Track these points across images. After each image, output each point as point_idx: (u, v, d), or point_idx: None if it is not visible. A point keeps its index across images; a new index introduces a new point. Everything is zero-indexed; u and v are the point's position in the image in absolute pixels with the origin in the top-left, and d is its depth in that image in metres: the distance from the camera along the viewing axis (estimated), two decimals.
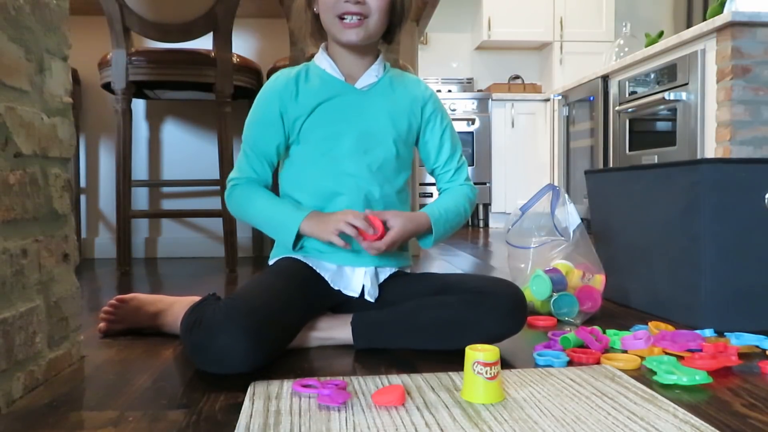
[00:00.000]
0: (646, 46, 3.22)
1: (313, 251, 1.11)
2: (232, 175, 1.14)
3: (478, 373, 0.79)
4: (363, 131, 1.10)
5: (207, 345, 0.89)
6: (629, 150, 3.23)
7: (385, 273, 1.14)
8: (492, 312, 1.02)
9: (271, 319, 0.92)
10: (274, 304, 0.96)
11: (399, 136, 1.13)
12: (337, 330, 1.07)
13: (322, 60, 1.13)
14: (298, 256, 1.11)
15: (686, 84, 2.69)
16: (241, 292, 0.99)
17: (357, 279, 1.10)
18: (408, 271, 1.19)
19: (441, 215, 1.11)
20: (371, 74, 1.12)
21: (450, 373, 0.91)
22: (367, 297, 1.10)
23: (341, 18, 1.04)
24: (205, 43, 2.11)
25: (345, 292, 1.10)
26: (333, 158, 1.10)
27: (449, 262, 2.43)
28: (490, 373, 0.79)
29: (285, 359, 1.00)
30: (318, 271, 1.09)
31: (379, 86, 1.13)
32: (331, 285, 1.09)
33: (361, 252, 1.09)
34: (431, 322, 1.03)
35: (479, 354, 0.79)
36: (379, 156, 1.11)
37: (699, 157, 2.58)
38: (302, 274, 1.08)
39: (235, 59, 2.17)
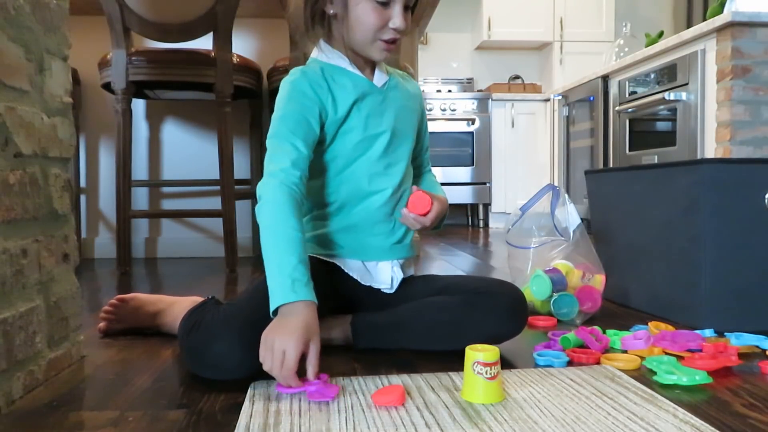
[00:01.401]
0: (646, 46, 3.22)
1: (339, 249, 1.09)
2: (260, 182, 0.98)
3: (478, 373, 0.79)
4: (394, 129, 1.10)
5: (203, 350, 0.89)
6: (629, 150, 3.23)
7: (409, 271, 1.15)
8: (492, 313, 1.02)
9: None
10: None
11: (415, 129, 1.17)
12: (336, 330, 1.07)
13: (336, 59, 1.07)
14: (321, 255, 1.08)
15: (686, 84, 2.69)
16: (242, 297, 0.98)
17: (384, 273, 1.10)
18: (412, 271, 1.19)
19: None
20: (382, 72, 1.11)
21: (450, 373, 0.91)
22: (383, 288, 1.10)
23: (384, 41, 1.02)
24: (205, 43, 2.11)
25: (376, 285, 1.09)
26: (368, 159, 1.07)
27: (449, 262, 2.43)
28: (490, 373, 0.79)
29: None
30: (346, 270, 1.08)
31: (392, 83, 1.13)
32: (361, 282, 1.08)
33: (383, 248, 1.09)
34: (432, 322, 1.03)
35: (479, 354, 0.79)
36: (405, 151, 1.13)
37: (699, 157, 2.58)
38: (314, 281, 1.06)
39: (235, 59, 2.16)
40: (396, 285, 1.11)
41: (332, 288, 1.07)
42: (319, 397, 0.79)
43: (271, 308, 0.87)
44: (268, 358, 0.83)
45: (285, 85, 1.04)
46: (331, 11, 1.03)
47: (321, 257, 1.08)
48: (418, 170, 1.24)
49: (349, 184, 1.07)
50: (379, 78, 1.10)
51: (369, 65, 1.10)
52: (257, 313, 0.91)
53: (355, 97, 1.06)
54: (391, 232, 1.10)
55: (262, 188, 0.95)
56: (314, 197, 1.10)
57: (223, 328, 0.89)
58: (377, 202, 1.08)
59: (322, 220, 1.10)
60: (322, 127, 1.04)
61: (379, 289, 1.10)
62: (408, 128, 1.14)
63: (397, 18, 0.99)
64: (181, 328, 0.94)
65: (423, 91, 4.61)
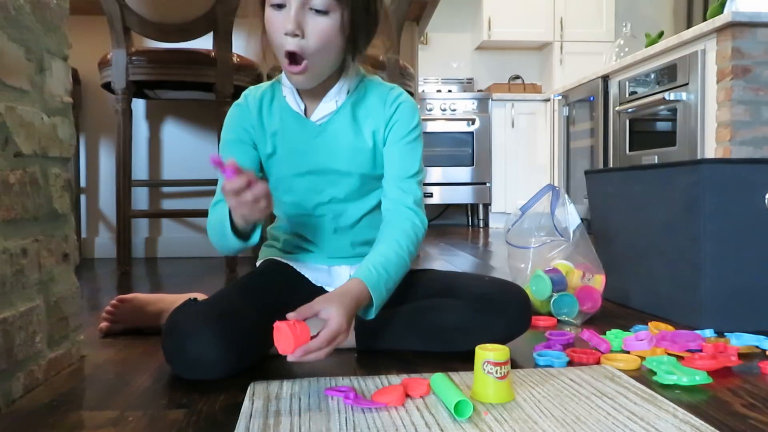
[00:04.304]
0: (646, 47, 3.22)
1: (298, 251, 1.12)
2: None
3: (488, 372, 0.79)
4: (318, 171, 1.04)
5: (179, 351, 0.88)
6: (629, 150, 3.23)
7: None
8: (500, 318, 1.01)
9: (243, 323, 0.91)
10: (247, 309, 0.94)
11: (360, 169, 1.05)
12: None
13: (285, 82, 1.04)
14: (282, 257, 1.11)
15: (686, 84, 2.69)
16: (214, 296, 0.98)
17: (342, 275, 1.10)
18: None
19: (380, 274, 0.93)
20: (329, 102, 1.02)
21: (450, 373, 0.91)
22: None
23: (285, 54, 0.93)
24: (205, 43, 2.11)
25: (327, 288, 1.09)
26: (292, 200, 1.08)
27: (449, 262, 2.43)
28: (500, 373, 0.79)
29: (285, 360, 0.99)
30: (300, 270, 1.09)
31: (338, 118, 1.03)
32: (314, 282, 1.09)
33: (342, 253, 1.10)
34: (437, 325, 1.03)
35: (489, 353, 0.79)
36: (341, 191, 1.06)
37: (699, 157, 2.58)
38: (284, 275, 1.08)
39: (235, 59, 2.16)
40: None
41: (312, 288, 1.09)
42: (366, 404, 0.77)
43: (235, 239, 0.94)
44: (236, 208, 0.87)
45: (229, 109, 1.09)
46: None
47: (282, 260, 1.11)
48: (385, 201, 1.06)
49: (289, 218, 1.11)
50: (319, 112, 1.02)
51: (321, 91, 1.02)
52: (230, 307, 0.92)
53: (277, 131, 1.05)
54: (350, 243, 1.10)
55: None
56: (275, 207, 1.14)
57: (196, 326, 0.88)
58: (325, 222, 1.09)
59: (283, 228, 1.14)
60: (260, 153, 1.07)
61: None
62: (346, 168, 1.04)
63: (287, 20, 0.88)
64: (162, 332, 0.94)
65: (423, 91, 4.65)
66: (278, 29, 0.91)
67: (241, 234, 0.96)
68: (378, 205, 1.10)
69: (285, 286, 1.06)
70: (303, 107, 1.04)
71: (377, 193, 1.09)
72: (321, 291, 1.08)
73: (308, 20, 0.90)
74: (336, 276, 1.11)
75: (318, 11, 0.89)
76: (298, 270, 1.09)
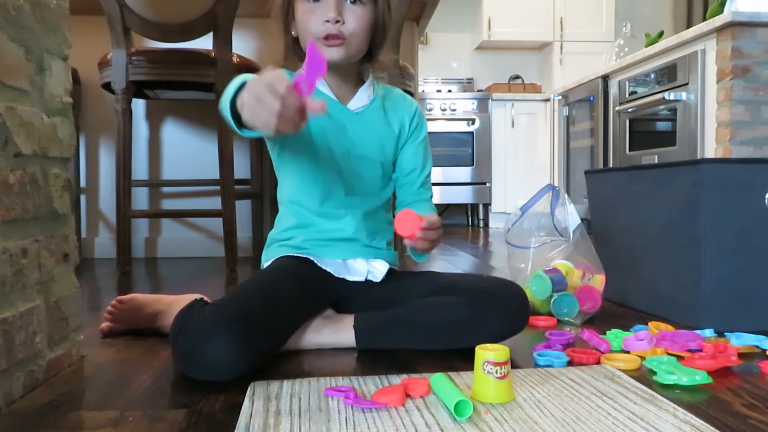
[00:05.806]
0: (646, 46, 3.22)
1: (313, 248, 1.12)
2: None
3: (488, 372, 0.79)
4: (353, 154, 1.12)
5: (193, 352, 0.88)
6: (629, 150, 3.23)
7: (384, 266, 1.15)
8: (498, 313, 1.03)
9: (259, 324, 0.91)
10: (262, 309, 0.94)
11: (386, 159, 1.16)
12: (340, 335, 1.06)
13: None
14: (297, 253, 1.11)
15: (686, 84, 2.69)
16: (228, 296, 0.98)
17: (359, 267, 1.13)
18: (396, 269, 1.19)
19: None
20: (363, 96, 1.13)
21: (450, 373, 0.91)
22: (370, 277, 1.13)
23: (323, 39, 1.02)
24: (205, 43, 2.11)
25: (350, 278, 1.11)
26: (323, 179, 1.11)
27: (449, 262, 2.43)
28: (500, 373, 0.79)
29: (285, 360, 1.00)
30: (320, 264, 1.09)
31: (372, 108, 1.14)
32: (335, 274, 1.10)
33: (358, 246, 1.13)
34: (436, 322, 1.03)
35: (489, 353, 0.79)
36: (366, 177, 1.14)
37: (699, 157, 2.58)
38: (298, 273, 1.07)
39: (235, 59, 2.16)
40: (374, 275, 1.12)
41: (323, 284, 1.10)
42: (367, 404, 0.78)
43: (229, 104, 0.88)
44: (258, 106, 0.77)
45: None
46: (294, 33, 1.08)
47: (297, 255, 1.11)
48: (406, 196, 1.21)
49: (311, 201, 1.12)
50: (356, 102, 1.12)
51: (346, 87, 1.11)
52: (245, 307, 0.92)
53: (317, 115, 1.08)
54: (367, 230, 1.14)
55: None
56: (289, 205, 1.15)
57: (211, 327, 0.87)
58: (356, 203, 1.13)
59: (299, 225, 1.14)
60: None
61: (373, 285, 1.12)
62: (375, 155, 1.14)
63: (328, 9, 0.99)
64: (170, 333, 0.94)
65: (423, 91, 4.65)
66: (318, 18, 1.00)
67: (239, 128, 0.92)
68: (384, 204, 1.18)
69: (302, 283, 1.05)
70: (336, 98, 1.11)
71: (388, 190, 1.19)
72: (342, 281, 1.10)
73: (346, 9, 1.01)
74: (353, 269, 1.13)
75: (353, 1, 1.01)
76: (316, 263, 1.10)
